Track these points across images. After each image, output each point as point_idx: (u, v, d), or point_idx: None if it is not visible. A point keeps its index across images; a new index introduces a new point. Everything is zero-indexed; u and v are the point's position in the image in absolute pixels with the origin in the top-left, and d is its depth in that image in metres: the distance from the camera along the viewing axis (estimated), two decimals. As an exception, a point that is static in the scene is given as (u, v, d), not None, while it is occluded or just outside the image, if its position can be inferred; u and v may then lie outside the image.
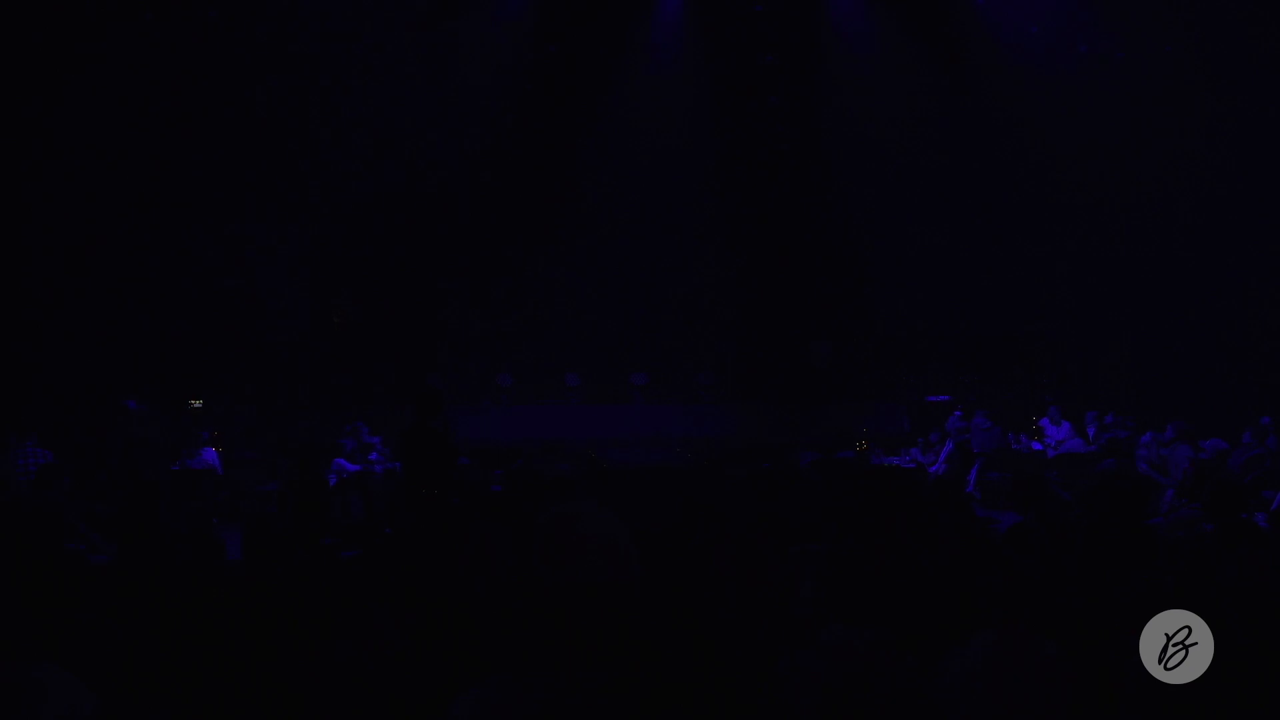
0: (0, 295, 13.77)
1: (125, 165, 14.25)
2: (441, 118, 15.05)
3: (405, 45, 14.34)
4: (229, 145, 14.25)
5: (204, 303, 15.16)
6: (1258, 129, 13.57)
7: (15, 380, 13.71)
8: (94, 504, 9.06)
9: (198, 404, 14.93)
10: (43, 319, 14.17)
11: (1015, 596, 3.91)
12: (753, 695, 3.79)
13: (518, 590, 5.27)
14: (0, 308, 13.77)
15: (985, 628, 3.82)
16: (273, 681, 4.02)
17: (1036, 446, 13.24)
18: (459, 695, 3.73)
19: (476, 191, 15.67)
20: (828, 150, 15.63)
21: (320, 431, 12.53)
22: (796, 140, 15.94)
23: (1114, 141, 14.39)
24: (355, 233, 15.37)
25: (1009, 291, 15.61)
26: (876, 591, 3.84)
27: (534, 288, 16.42)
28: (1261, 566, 5.02)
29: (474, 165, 15.39)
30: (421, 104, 14.82)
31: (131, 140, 14.10)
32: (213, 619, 4.29)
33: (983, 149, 15.19)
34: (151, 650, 4.27)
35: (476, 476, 10.40)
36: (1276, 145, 13.48)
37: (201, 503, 11.65)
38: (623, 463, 12.50)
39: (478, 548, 5.19)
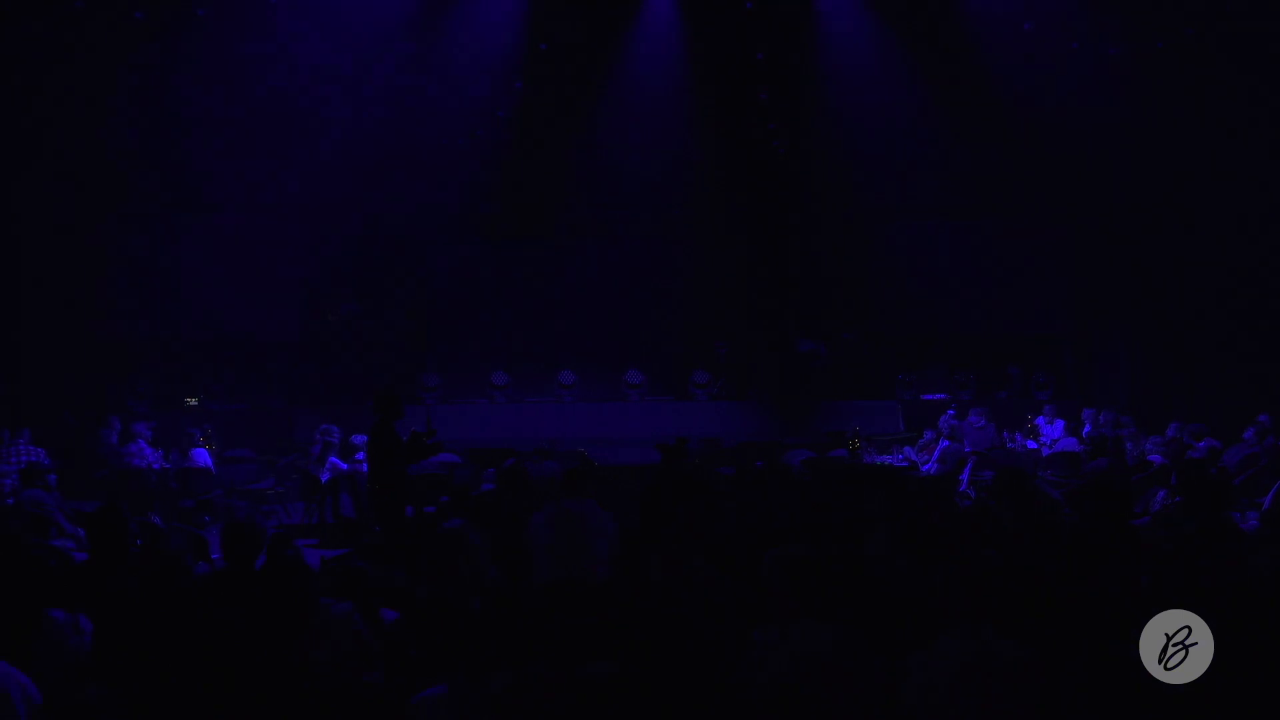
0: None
1: (122, 163, 14.27)
2: (436, 116, 15.07)
3: (399, 43, 14.32)
4: (224, 144, 14.25)
5: (200, 301, 15.18)
6: (1256, 125, 13.54)
7: (10, 378, 13.76)
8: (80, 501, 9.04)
9: (193, 402, 14.99)
10: (38, 317, 14.20)
11: (987, 596, 3.89)
12: (721, 692, 3.78)
13: (496, 588, 5.24)
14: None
15: (952, 628, 3.80)
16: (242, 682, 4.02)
17: (1031, 445, 13.20)
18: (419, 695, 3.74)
19: (471, 189, 15.66)
20: (822, 148, 15.61)
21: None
22: (791, 137, 15.91)
23: (1111, 139, 14.36)
24: (350, 231, 15.39)
25: (1006, 290, 15.59)
26: (845, 591, 3.83)
27: (529, 285, 16.40)
28: (1242, 564, 4.98)
29: (469, 163, 15.38)
30: (416, 102, 14.84)
31: (130, 138, 14.12)
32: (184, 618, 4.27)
33: (979, 146, 15.16)
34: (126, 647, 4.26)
35: (466, 475, 10.38)
36: (1276, 141, 13.45)
37: (194, 501, 11.68)
38: (615, 462, 12.46)
39: (448, 547, 5.16)
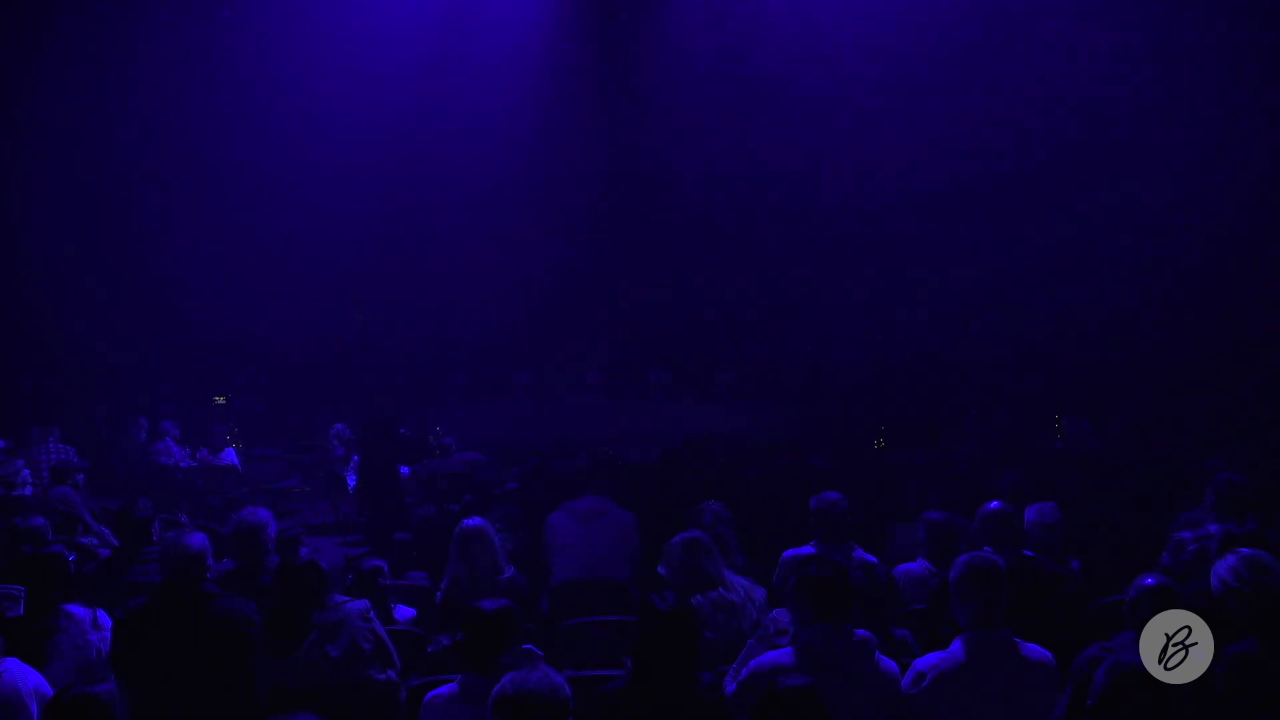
0: (28, 294, 13.99)
1: (148, 165, 14.43)
2: (457, 116, 15.12)
3: (417, 45, 14.38)
4: (247, 147, 14.37)
5: (226, 302, 15.30)
6: (1265, 124, 13.43)
7: (41, 377, 13.93)
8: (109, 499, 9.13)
9: (221, 400, 15.14)
10: (69, 317, 14.37)
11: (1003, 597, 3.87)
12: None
13: (512, 587, 5.24)
14: (29, 306, 13.99)
15: (967, 629, 3.78)
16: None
17: (1059, 446, 13.09)
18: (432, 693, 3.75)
19: (494, 189, 15.70)
20: (848, 151, 15.57)
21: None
22: (817, 140, 15.85)
23: (1131, 139, 14.26)
24: (371, 232, 15.47)
25: (1028, 289, 15.48)
26: (859, 595, 3.81)
27: (553, 285, 16.43)
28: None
29: (490, 163, 15.41)
30: (435, 103, 14.90)
31: (154, 141, 14.27)
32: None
33: (995, 152, 15.10)
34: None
35: (490, 473, 10.40)
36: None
37: (221, 499, 11.78)
38: (640, 460, 12.44)
39: (466, 545, 5.16)
